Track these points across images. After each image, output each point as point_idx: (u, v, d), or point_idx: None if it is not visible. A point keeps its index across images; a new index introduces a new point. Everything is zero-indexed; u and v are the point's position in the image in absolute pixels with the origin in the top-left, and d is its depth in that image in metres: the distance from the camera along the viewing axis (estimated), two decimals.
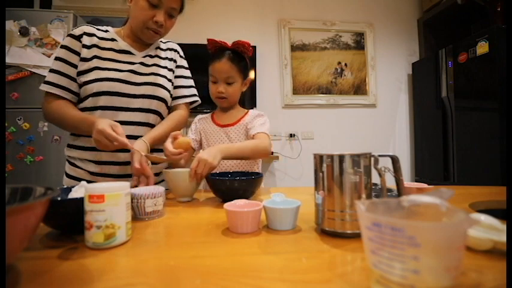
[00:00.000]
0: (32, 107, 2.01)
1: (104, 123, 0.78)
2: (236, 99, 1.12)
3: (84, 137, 0.93)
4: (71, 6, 2.53)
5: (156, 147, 0.96)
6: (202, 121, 1.17)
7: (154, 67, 1.00)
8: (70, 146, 0.97)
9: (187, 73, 1.12)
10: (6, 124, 1.98)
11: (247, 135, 1.08)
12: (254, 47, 2.68)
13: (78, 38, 0.92)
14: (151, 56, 1.02)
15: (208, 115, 1.18)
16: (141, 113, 0.95)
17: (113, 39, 0.98)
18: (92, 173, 0.93)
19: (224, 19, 2.80)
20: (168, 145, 0.86)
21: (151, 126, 0.99)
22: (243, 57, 1.08)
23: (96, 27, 0.98)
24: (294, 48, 2.89)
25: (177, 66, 1.10)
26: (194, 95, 1.12)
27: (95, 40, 0.94)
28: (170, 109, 1.07)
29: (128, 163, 0.92)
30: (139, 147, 0.86)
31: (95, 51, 0.93)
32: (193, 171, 0.79)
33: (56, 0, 2.63)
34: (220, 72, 1.05)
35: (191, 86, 1.12)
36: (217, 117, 1.15)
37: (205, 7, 2.76)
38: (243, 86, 1.11)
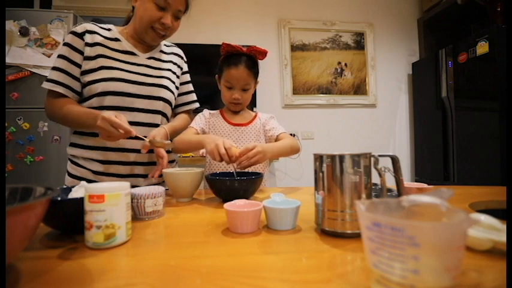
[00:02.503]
0: (32, 107, 2.00)
1: (109, 112, 0.80)
2: (249, 102, 1.13)
3: (89, 136, 0.92)
4: (71, 6, 2.54)
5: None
6: (213, 116, 1.16)
7: (158, 70, 1.01)
8: (73, 144, 0.96)
9: (189, 78, 1.15)
10: (6, 124, 1.98)
11: (267, 135, 1.12)
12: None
13: (80, 35, 0.92)
14: (155, 58, 1.02)
15: (217, 112, 1.17)
16: (147, 113, 0.96)
17: (116, 39, 0.97)
18: (95, 172, 0.93)
19: (224, 19, 2.80)
20: (228, 143, 0.82)
21: (158, 126, 0.99)
22: (257, 62, 1.08)
23: (99, 25, 0.98)
24: (294, 48, 2.89)
25: (183, 73, 1.12)
26: (196, 101, 1.17)
27: (97, 38, 0.93)
28: (174, 111, 1.10)
29: (133, 163, 0.94)
30: (158, 131, 0.91)
31: (99, 50, 0.92)
32: (246, 156, 0.81)
33: (56, 0, 2.64)
34: (238, 80, 1.04)
35: (193, 91, 1.16)
36: (228, 115, 1.15)
37: (205, 7, 2.76)
38: (253, 89, 1.12)
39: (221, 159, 0.82)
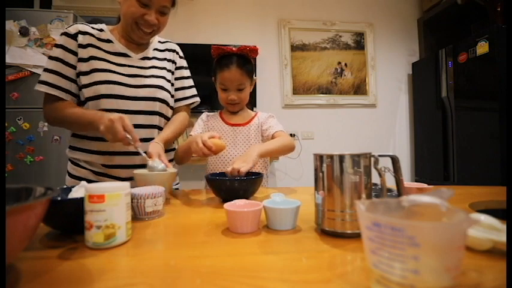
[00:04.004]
0: (32, 107, 2.01)
1: (115, 115, 0.78)
2: (247, 101, 1.13)
3: (89, 140, 0.92)
4: (71, 6, 2.53)
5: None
6: (211, 119, 1.16)
7: (152, 69, 0.99)
8: (73, 148, 0.95)
9: (187, 73, 1.12)
10: (6, 124, 1.98)
11: (263, 135, 1.10)
12: None
13: (73, 36, 0.91)
14: (148, 58, 1.00)
15: (216, 113, 1.17)
16: (145, 115, 0.95)
17: (108, 40, 0.96)
18: (96, 173, 0.93)
19: (224, 19, 2.80)
20: (205, 136, 0.82)
21: (156, 127, 0.99)
22: (249, 59, 1.07)
23: (90, 25, 0.96)
24: (294, 48, 2.88)
25: (177, 68, 1.09)
26: (195, 96, 1.12)
27: (90, 39, 0.92)
28: (173, 109, 1.07)
29: (132, 166, 0.93)
30: (156, 148, 0.87)
31: (91, 52, 0.91)
32: (235, 171, 0.80)
33: (56, 0, 2.63)
34: (231, 81, 1.04)
35: (191, 86, 1.12)
36: (226, 116, 1.15)
37: (205, 7, 2.76)
38: (250, 87, 1.11)
39: (204, 155, 0.82)
